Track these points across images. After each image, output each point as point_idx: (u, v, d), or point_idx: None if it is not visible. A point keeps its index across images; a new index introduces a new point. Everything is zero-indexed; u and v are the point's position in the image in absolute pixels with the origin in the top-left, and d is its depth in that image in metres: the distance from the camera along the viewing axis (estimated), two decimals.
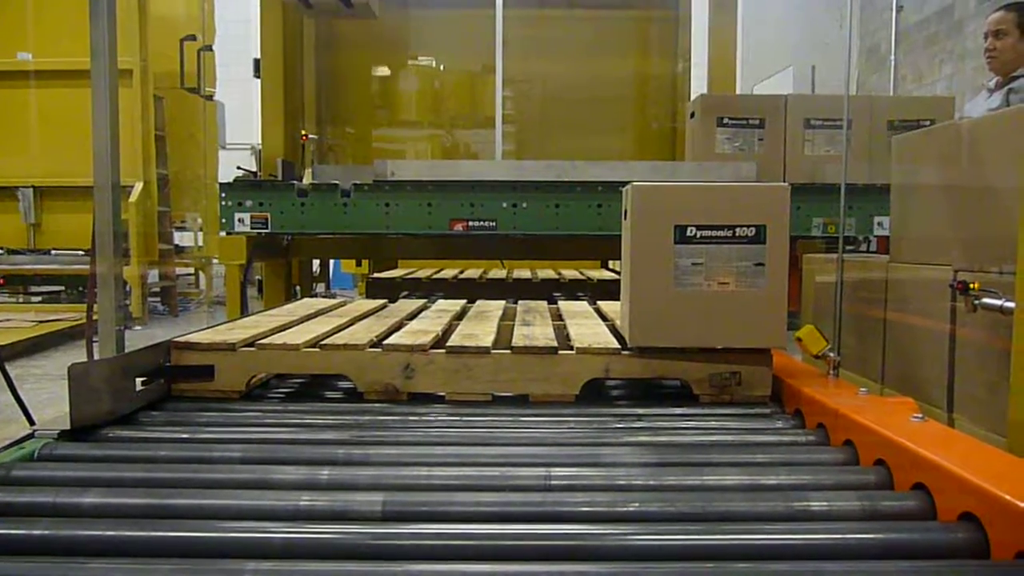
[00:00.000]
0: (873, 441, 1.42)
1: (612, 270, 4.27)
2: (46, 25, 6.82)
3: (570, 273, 4.29)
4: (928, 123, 3.35)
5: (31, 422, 1.91)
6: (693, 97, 3.86)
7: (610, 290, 3.68)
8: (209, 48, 7.01)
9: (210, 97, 7.60)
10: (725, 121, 3.35)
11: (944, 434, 1.47)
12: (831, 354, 1.90)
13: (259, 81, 3.92)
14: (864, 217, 3.06)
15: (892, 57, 7.68)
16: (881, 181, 3.06)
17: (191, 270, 9.26)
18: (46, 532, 1.18)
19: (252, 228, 3.29)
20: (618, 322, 2.24)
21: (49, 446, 1.59)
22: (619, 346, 1.93)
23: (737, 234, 1.80)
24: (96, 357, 2.42)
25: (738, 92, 4.22)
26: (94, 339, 2.53)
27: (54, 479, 1.42)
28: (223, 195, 3.26)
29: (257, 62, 3.75)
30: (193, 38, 6.66)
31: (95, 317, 2.36)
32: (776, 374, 1.88)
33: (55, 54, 6.72)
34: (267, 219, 3.28)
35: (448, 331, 2.22)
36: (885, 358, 2.45)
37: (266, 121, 3.78)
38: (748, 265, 1.80)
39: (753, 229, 1.79)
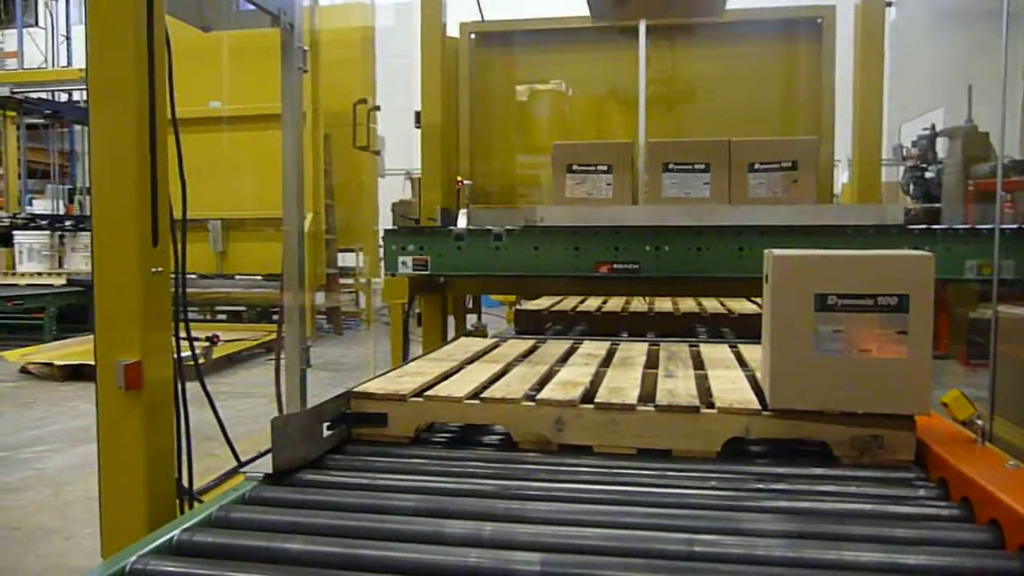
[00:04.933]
0: (1019, 523, 1.44)
1: (754, 302, 4.27)
2: (234, 77, 7.59)
3: (711, 305, 4.33)
4: (789, 164, 3.32)
5: (238, 461, 2.22)
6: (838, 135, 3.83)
7: (752, 324, 3.70)
8: (377, 108, 7.58)
9: (377, 152, 8.20)
10: (574, 168, 3.51)
11: None
12: (978, 421, 1.89)
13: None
14: None
15: None
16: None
17: (353, 292, 9.95)
18: None
19: (414, 270, 3.59)
20: (758, 374, 2.30)
21: (256, 489, 1.87)
22: (760, 406, 2.00)
23: (879, 303, 1.84)
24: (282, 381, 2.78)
25: (885, 130, 4.11)
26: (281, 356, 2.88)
27: (264, 523, 1.67)
28: (388, 241, 3.57)
29: (418, 115, 4.10)
30: (364, 101, 7.24)
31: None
32: (920, 437, 1.90)
33: (238, 102, 7.48)
34: (427, 262, 3.57)
35: (596, 381, 2.36)
36: None
37: (426, 173, 4.11)
38: (890, 333, 1.83)
39: (895, 298, 1.83)
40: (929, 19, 10.56)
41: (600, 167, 3.55)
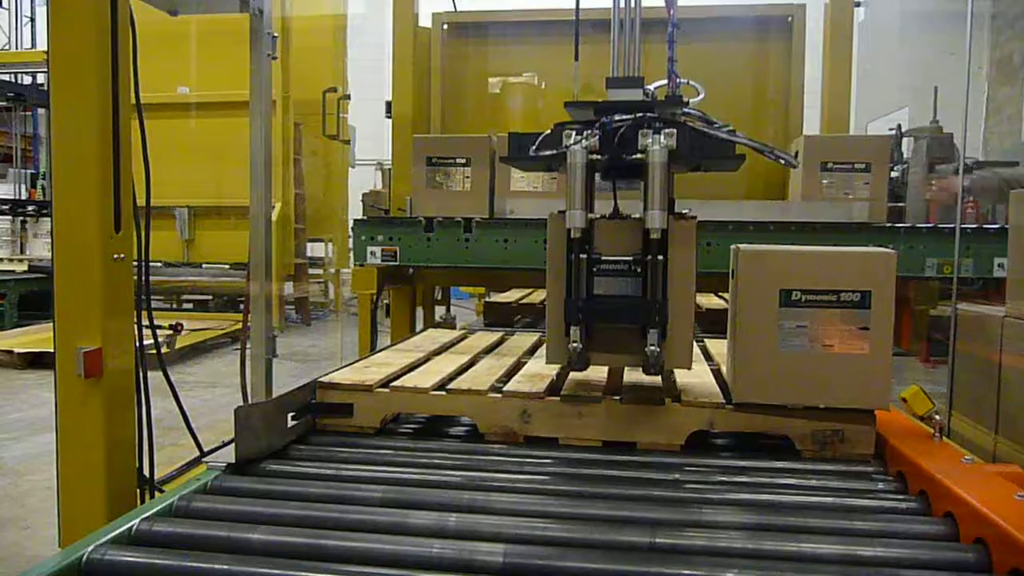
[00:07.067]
0: (974, 517, 1.47)
1: (722, 297, 4.31)
2: (202, 62, 7.47)
3: None
4: None
5: (201, 451, 2.19)
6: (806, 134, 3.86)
7: (720, 319, 3.73)
8: (347, 97, 7.51)
9: (347, 142, 8.13)
10: (433, 160, 3.65)
11: None
12: (936, 416, 1.93)
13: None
14: (984, 258, 2.99)
15: None
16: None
17: (322, 281, 9.87)
18: (225, 567, 1.41)
19: (383, 260, 3.57)
20: (723, 367, 2.33)
21: (219, 479, 1.84)
22: (724, 400, 2.02)
23: (842, 299, 1.86)
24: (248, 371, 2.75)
25: (852, 129, 4.16)
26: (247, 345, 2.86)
27: (226, 513, 1.65)
28: (357, 231, 3.54)
29: (389, 104, 4.07)
30: (334, 90, 7.17)
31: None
32: (880, 432, 1.93)
33: (206, 88, 7.36)
34: (396, 252, 3.55)
35: (562, 374, 2.37)
36: (999, 406, 2.42)
37: (396, 163, 4.09)
38: (852, 329, 1.86)
39: (858, 295, 1.85)
40: (897, 20, 10.73)
41: (459, 160, 3.64)
